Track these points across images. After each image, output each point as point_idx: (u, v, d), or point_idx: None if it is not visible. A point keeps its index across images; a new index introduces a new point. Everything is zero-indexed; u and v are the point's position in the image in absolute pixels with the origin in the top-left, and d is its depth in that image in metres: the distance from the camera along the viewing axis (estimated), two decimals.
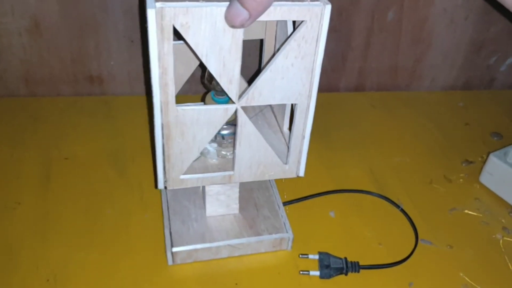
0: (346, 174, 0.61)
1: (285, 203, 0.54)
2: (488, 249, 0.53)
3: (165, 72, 0.37)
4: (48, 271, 0.47)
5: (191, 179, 0.44)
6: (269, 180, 0.55)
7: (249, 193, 0.54)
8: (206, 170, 0.45)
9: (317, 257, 0.49)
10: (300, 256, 0.50)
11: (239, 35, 0.36)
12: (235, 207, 0.51)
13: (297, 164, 0.46)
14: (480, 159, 0.66)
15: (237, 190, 0.50)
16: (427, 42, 0.77)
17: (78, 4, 0.64)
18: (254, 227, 0.50)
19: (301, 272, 0.48)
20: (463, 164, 0.65)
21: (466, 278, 0.49)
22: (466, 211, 0.57)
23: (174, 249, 0.47)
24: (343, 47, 0.75)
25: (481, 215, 0.57)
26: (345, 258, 0.49)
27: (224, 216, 0.51)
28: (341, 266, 0.48)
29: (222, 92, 0.45)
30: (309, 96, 0.42)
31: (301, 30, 0.38)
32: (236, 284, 0.47)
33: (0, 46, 0.66)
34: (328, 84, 0.78)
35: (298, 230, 0.51)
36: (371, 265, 0.49)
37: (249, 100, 0.40)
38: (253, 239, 0.49)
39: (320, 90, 0.84)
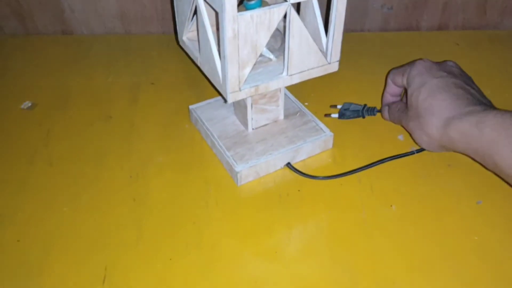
0: None
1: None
2: None
3: None
4: (131, 169, 0.53)
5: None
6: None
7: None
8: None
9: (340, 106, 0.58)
10: (325, 115, 0.58)
11: None
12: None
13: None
14: None
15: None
16: None
17: None
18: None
19: (325, 115, 0.58)
20: None
21: None
22: None
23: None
24: None
25: None
26: (365, 104, 0.58)
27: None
28: (359, 109, 0.57)
29: None
30: None
31: None
32: (299, 190, 0.50)
33: None
34: (409, 22, 0.76)
35: None
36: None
37: None
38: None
39: (399, 29, 0.81)
